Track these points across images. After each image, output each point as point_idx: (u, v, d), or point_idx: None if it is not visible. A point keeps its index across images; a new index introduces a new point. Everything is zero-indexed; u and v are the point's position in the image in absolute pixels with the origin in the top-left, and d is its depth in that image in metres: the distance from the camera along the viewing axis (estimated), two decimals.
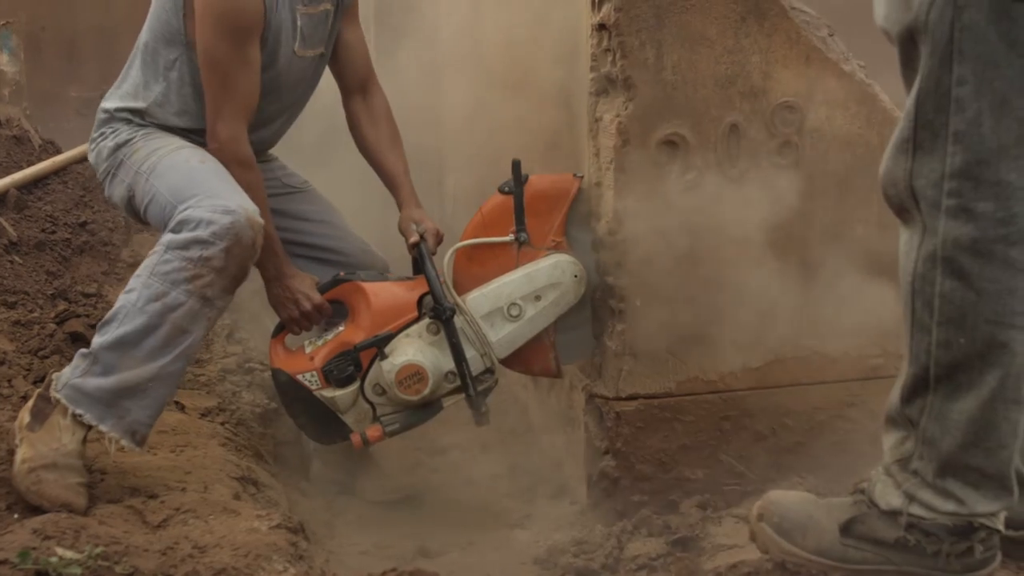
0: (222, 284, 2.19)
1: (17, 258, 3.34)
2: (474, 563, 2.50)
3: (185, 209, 2.22)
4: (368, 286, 2.54)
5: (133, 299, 2.17)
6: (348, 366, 2.49)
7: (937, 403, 1.62)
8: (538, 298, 2.46)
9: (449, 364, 2.46)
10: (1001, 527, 1.66)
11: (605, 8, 2.33)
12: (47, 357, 2.80)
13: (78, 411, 2.14)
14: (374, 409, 2.52)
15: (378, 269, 2.74)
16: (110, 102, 2.55)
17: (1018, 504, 1.67)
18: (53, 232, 3.61)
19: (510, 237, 2.47)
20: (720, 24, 2.33)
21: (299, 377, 2.53)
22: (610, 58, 2.36)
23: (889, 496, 1.69)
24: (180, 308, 2.16)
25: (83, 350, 2.19)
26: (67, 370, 2.19)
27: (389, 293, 2.54)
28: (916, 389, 1.64)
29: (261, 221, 2.25)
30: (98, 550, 1.76)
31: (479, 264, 2.51)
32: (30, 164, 3.96)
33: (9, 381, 2.62)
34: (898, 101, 1.86)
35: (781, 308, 2.41)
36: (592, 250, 2.50)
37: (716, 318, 2.43)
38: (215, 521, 2.02)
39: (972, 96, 1.51)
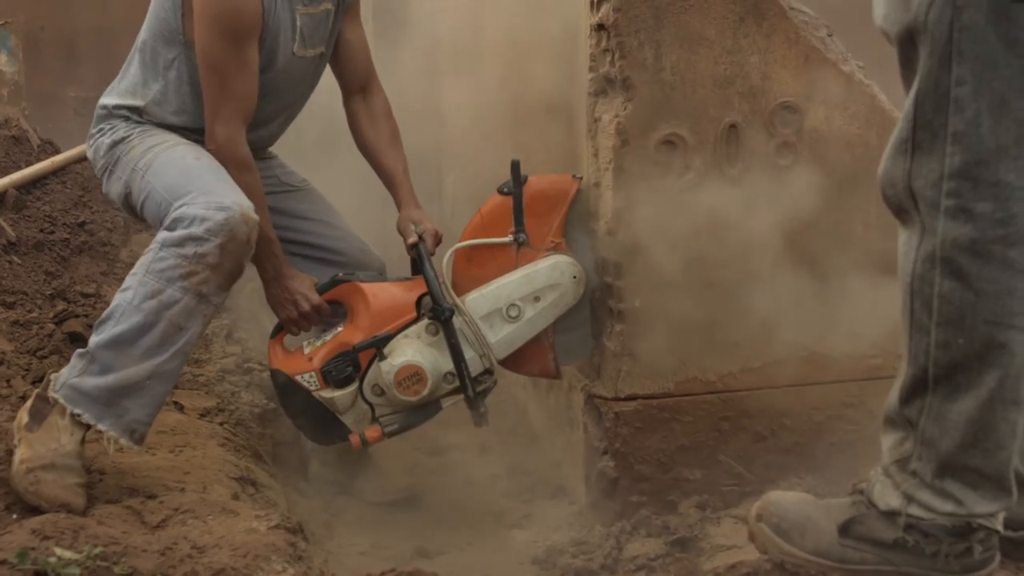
0: (217, 280, 2.19)
1: (16, 258, 3.34)
2: (473, 563, 2.50)
3: (180, 206, 2.22)
4: (367, 287, 2.54)
5: (129, 297, 2.17)
6: (347, 367, 2.49)
7: (936, 404, 1.62)
8: (537, 299, 2.46)
9: (448, 365, 2.46)
10: (1000, 528, 1.66)
11: (604, 8, 2.34)
12: (46, 357, 2.80)
13: (76, 411, 2.13)
14: (373, 410, 2.52)
15: (375, 269, 2.73)
16: (109, 98, 2.56)
17: (1017, 505, 1.67)
18: (52, 232, 3.61)
19: (509, 238, 2.47)
20: (719, 24, 2.33)
21: (298, 378, 2.53)
22: (609, 58, 2.36)
23: (888, 497, 1.69)
24: (176, 305, 2.16)
25: (80, 350, 2.19)
26: (65, 370, 2.19)
27: (388, 294, 2.54)
28: (915, 390, 1.64)
29: (256, 217, 2.25)
30: (97, 550, 1.76)
31: (478, 265, 2.50)
32: (29, 164, 3.96)
33: (8, 381, 2.62)
34: (897, 101, 1.86)
35: (780, 308, 2.41)
36: (591, 251, 2.50)
37: (715, 318, 2.43)
38: (214, 521, 2.02)
39: (971, 96, 1.51)
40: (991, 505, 1.63)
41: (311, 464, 2.96)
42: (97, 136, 2.55)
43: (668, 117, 2.35)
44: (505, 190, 2.47)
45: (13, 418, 2.24)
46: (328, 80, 2.74)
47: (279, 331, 2.63)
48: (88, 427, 2.15)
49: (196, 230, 2.17)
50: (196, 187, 2.26)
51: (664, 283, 2.39)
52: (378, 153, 2.72)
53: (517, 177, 2.45)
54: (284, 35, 2.48)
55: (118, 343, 2.15)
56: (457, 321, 2.45)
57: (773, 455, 2.49)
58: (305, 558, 1.98)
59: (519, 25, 3.06)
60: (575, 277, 2.46)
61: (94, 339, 2.17)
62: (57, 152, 4.17)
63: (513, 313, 2.46)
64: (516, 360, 2.54)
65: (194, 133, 2.49)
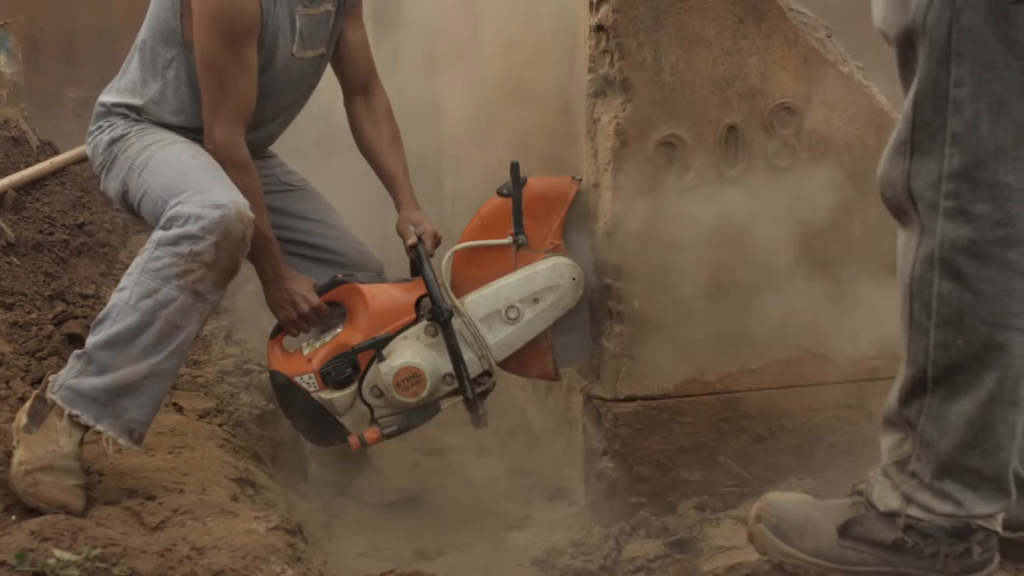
0: (213, 279, 2.19)
1: (15, 259, 3.34)
2: (472, 565, 2.50)
3: (175, 205, 2.22)
4: (366, 288, 2.54)
5: (125, 297, 2.17)
6: (346, 368, 2.49)
7: (935, 405, 1.62)
8: (536, 301, 2.46)
9: (447, 366, 2.46)
10: (999, 529, 1.66)
11: (603, 9, 2.34)
12: (45, 358, 2.80)
13: (74, 412, 2.13)
14: (372, 411, 2.52)
15: (374, 270, 2.73)
16: (108, 96, 2.56)
17: (1016, 506, 1.67)
18: (51, 233, 3.61)
19: (508, 239, 2.47)
20: (718, 25, 2.33)
21: (297, 379, 2.53)
22: (608, 59, 2.36)
23: (887, 498, 1.69)
24: (172, 304, 2.16)
25: (77, 351, 2.19)
26: (63, 372, 2.18)
27: (387, 295, 2.54)
28: (914, 391, 1.64)
29: (251, 215, 2.25)
30: (96, 552, 1.76)
31: (477, 266, 2.50)
32: (28, 165, 3.95)
33: (7, 382, 2.62)
34: (896, 102, 1.86)
35: (779, 309, 2.41)
36: (590, 252, 2.50)
37: (714, 319, 2.43)
38: (213, 523, 2.02)
39: (970, 98, 1.51)
40: (990, 506, 1.63)
41: (310, 465, 2.95)
42: (96, 133, 2.55)
43: (667, 118, 2.35)
44: (504, 192, 2.47)
45: (12, 420, 2.25)
46: (328, 80, 2.74)
47: (278, 332, 2.63)
48: (87, 428, 2.15)
49: (191, 228, 2.17)
50: (191, 185, 2.26)
51: (663, 284, 2.39)
52: (378, 154, 2.72)
53: (516, 179, 2.45)
54: (283, 36, 2.48)
55: (115, 343, 2.14)
56: (456, 322, 2.45)
57: (772, 456, 2.49)
58: (304, 559, 1.98)
59: (519, 26, 3.06)
60: (574, 279, 2.46)
61: (91, 340, 2.17)
62: (56, 153, 4.16)
63: (512, 315, 2.46)
64: (515, 362, 2.54)
65: (192, 133, 2.49)
